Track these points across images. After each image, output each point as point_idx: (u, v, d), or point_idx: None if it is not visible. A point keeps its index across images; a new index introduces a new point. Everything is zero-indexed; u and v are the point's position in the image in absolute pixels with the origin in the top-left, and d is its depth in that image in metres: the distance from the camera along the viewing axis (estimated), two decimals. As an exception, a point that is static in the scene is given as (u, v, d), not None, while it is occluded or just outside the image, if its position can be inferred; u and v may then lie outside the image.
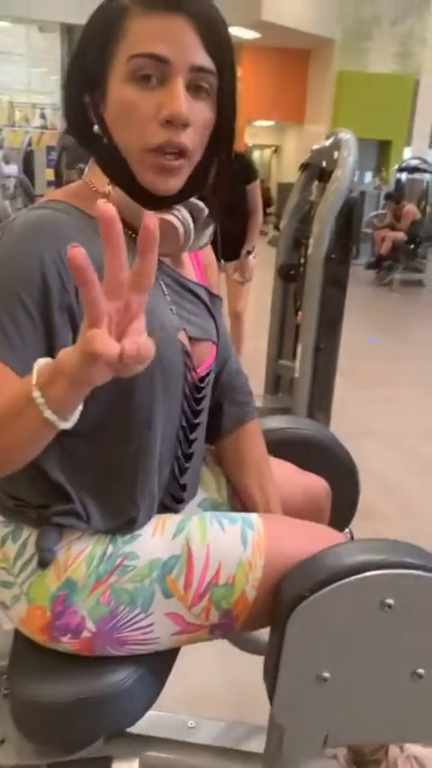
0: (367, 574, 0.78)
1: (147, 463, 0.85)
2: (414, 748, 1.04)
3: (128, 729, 0.97)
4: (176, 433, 0.90)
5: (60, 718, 0.82)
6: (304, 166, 2.93)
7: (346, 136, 2.65)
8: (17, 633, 0.90)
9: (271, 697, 0.84)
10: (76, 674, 0.84)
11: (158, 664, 0.89)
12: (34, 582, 0.83)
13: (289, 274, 3.05)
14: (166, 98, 0.73)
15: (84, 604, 0.82)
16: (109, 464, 0.83)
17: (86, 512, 0.83)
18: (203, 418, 0.97)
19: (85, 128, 0.80)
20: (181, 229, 0.81)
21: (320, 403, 2.91)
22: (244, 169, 3.29)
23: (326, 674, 0.81)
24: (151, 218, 0.53)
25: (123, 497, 0.84)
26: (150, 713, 1.23)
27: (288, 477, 1.10)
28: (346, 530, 1.28)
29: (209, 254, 1.00)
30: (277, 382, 3.25)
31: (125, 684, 0.84)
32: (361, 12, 11.49)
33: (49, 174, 8.29)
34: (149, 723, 1.20)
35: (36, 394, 0.58)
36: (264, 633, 1.08)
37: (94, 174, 0.83)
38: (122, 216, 0.79)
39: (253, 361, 3.52)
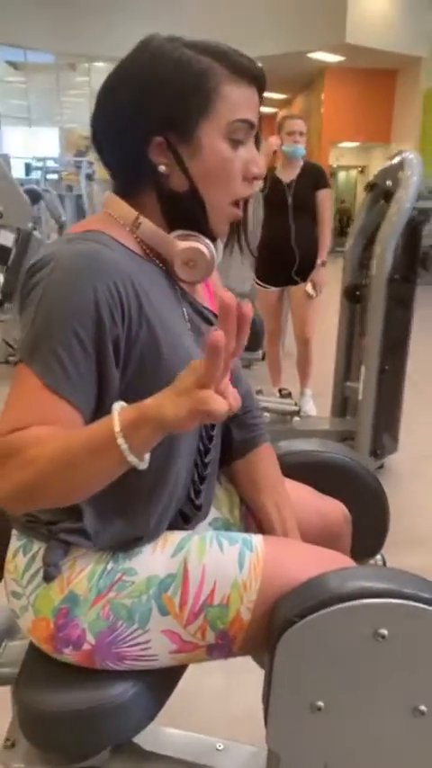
0: (359, 602, 0.76)
1: (165, 486, 0.87)
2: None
3: (144, 744, 0.99)
4: (194, 457, 0.93)
5: (59, 727, 0.85)
6: (370, 186, 2.90)
7: (410, 155, 2.61)
8: (31, 643, 0.94)
9: (265, 720, 0.83)
10: (76, 685, 0.86)
11: (159, 680, 0.90)
12: (40, 594, 0.87)
13: (354, 295, 3.01)
14: (249, 158, 0.85)
15: (85, 618, 0.85)
16: (129, 485, 0.84)
17: (95, 530, 0.85)
18: (217, 441, 0.98)
19: (142, 163, 0.83)
20: (209, 258, 0.86)
21: (387, 425, 2.84)
22: (314, 176, 3.28)
23: (320, 704, 0.79)
24: (232, 299, 0.60)
25: (137, 516, 0.87)
26: (179, 732, 1.24)
27: (304, 501, 1.08)
28: (377, 557, 1.24)
29: (217, 281, 1.03)
30: (344, 405, 3.19)
31: (123, 698, 0.85)
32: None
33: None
34: (176, 740, 1.22)
35: (120, 441, 0.64)
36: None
37: (113, 206, 0.87)
38: (152, 246, 0.86)
39: (320, 383, 3.48)
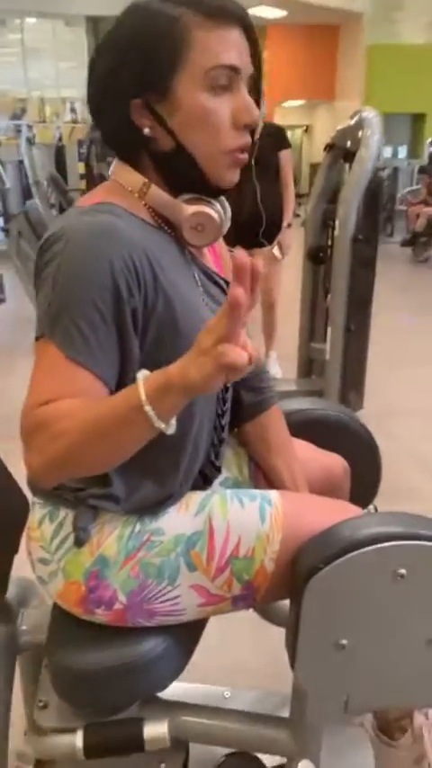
0: (379, 545, 0.82)
1: (188, 448, 0.90)
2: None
3: (163, 697, 1.04)
4: (213, 420, 0.96)
5: (94, 684, 0.89)
6: (329, 147, 2.92)
7: (370, 114, 2.63)
8: (54, 608, 0.97)
9: (293, 664, 0.88)
10: (107, 644, 0.90)
11: (186, 634, 0.95)
12: (70, 559, 0.89)
13: (318, 256, 3.05)
14: (238, 105, 0.81)
15: (115, 579, 0.88)
16: (155, 450, 0.78)
17: (124, 494, 0.88)
18: (229, 404, 1.01)
19: (128, 129, 0.82)
20: (218, 221, 0.87)
21: (353, 384, 2.92)
22: (274, 136, 3.25)
23: (343, 642, 0.85)
24: (246, 258, 0.60)
25: (164, 479, 0.90)
26: (188, 685, 1.30)
27: (307, 456, 1.13)
28: (370, 506, 1.30)
29: (222, 243, 1.04)
30: (310, 366, 3.26)
31: (154, 653, 0.90)
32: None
33: (81, 168, 8.38)
34: (187, 693, 1.27)
35: (148, 408, 0.65)
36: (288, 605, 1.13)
37: (121, 174, 0.87)
38: (161, 212, 0.85)
39: (285, 345, 3.54)
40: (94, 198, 0.85)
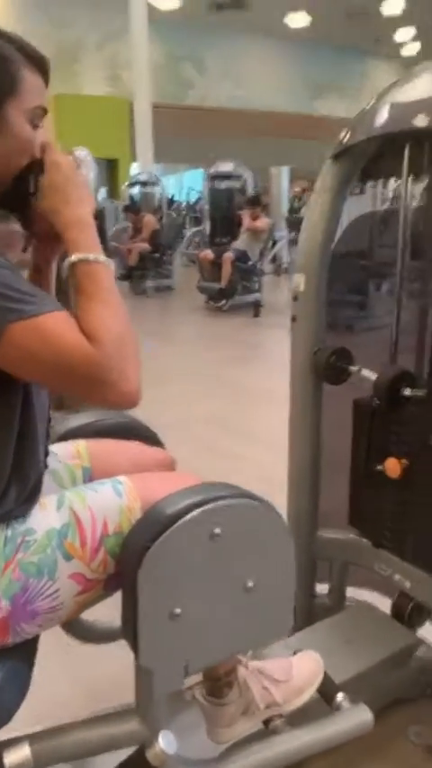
0: (193, 513, 0.92)
1: (37, 444, 0.96)
2: (253, 663, 1.21)
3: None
4: (46, 411, 1.02)
5: None
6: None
7: (83, 153, 2.78)
8: None
9: (135, 647, 0.93)
10: None
11: (21, 655, 0.93)
12: None
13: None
14: (43, 141, 0.95)
15: None
16: (16, 450, 0.91)
17: None
18: None
19: None
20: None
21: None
22: None
23: (177, 611, 0.93)
24: None
25: (26, 478, 0.93)
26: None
27: (138, 451, 1.23)
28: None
29: None
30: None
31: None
32: (62, 35, 11.77)
33: None
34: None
35: (89, 256, 0.89)
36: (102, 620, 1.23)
37: None
38: None
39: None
40: None
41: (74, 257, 0.89)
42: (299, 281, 1.57)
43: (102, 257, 0.90)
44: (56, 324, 0.82)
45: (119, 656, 1.05)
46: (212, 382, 4.48)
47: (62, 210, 0.92)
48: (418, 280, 1.55)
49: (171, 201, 12.36)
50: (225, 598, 0.98)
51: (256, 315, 6.92)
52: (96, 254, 0.90)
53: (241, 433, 3.55)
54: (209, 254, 7.45)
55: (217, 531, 0.93)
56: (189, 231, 11.01)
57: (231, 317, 6.97)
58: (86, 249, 0.89)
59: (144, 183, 9.41)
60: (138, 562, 0.89)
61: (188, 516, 0.92)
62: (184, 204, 13.65)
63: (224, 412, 3.93)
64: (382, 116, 1.36)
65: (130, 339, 0.87)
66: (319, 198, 1.56)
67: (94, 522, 0.95)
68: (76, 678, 1.65)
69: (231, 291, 7.13)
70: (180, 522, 0.91)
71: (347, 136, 1.44)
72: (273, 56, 15.96)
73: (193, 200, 13.48)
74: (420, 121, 1.25)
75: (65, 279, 0.93)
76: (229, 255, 7.10)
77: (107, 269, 0.90)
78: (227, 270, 7.04)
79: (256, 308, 6.96)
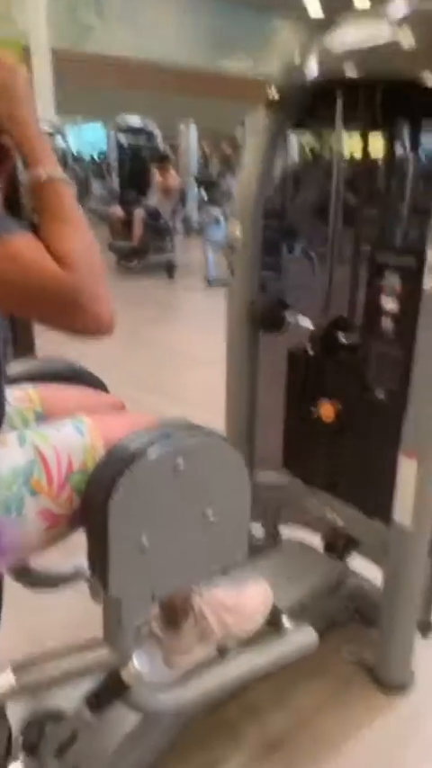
0: (156, 447, 0.95)
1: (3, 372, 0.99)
2: (207, 593, 1.27)
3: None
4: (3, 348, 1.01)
5: None
6: None
7: None
8: None
9: (104, 579, 0.96)
10: None
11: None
12: None
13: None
14: None
15: None
16: None
17: None
18: None
19: None
20: None
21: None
22: None
23: (145, 542, 0.97)
24: None
25: None
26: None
27: (91, 395, 1.25)
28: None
29: None
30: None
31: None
32: None
33: None
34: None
35: (52, 173, 0.85)
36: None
37: None
38: None
39: None
40: None
41: (43, 174, 0.84)
42: (234, 227, 1.60)
43: (63, 174, 0.86)
44: (27, 246, 0.80)
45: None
46: (131, 343, 4.43)
47: (15, 113, 0.84)
48: (351, 226, 1.62)
49: (74, 156, 11.86)
50: (188, 528, 1.02)
51: (171, 276, 6.87)
52: (59, 170, 0.86)
53: (165, 393, 3.56)
54: (118, 210, 7.26)
55: (180, 462, 0.97)
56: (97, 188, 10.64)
57: (145, 277, 6.86)
58: (50, 164, 0.85)
59: (49, 135, 8.96)
60: (107, 496, 0.91)
61: (152, 449, 0.94)
62: (88, 159, 13.12)
63: (144, 373, 3.92)
64: (313, 65, 1.41)
65: (98, 261, 0.85)
66: (252, 147, 1.59)
67: (59, 459, 0.96)
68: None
69: (143, 251, 7.02)
70: (145, 455, 0.94)
71: (279, 85, 1.47)
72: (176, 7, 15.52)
73: (96, 154, 12.97)
74: (350, 69, 1.31)
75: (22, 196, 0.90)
76: (140, 213, 6.96)
77: (71, 186, 0.87)
78: (138, 228, 6.91)
79: (169, 268, 6.89)
